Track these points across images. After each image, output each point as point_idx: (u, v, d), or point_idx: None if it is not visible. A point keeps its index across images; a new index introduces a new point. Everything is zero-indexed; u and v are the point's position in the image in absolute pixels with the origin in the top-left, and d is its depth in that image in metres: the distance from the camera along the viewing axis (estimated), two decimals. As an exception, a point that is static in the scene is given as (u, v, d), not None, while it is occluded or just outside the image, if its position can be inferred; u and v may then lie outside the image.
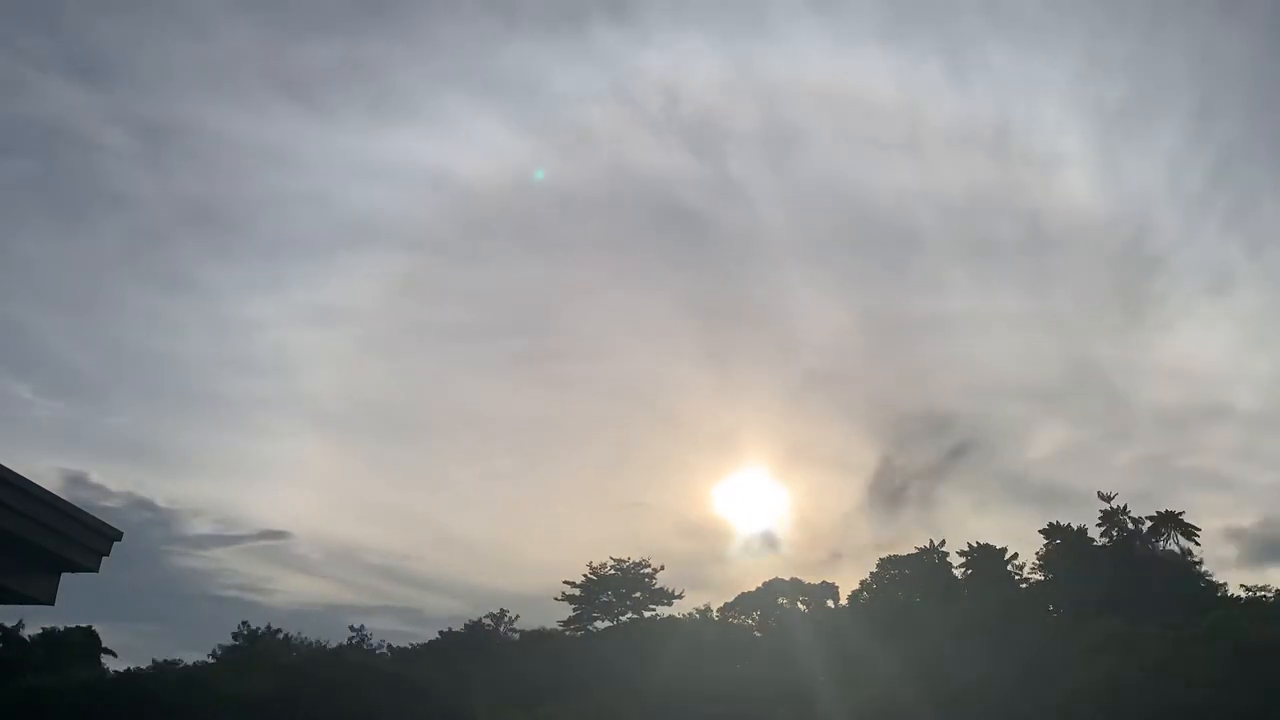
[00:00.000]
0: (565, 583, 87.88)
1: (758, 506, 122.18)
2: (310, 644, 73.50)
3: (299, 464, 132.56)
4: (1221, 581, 75.21)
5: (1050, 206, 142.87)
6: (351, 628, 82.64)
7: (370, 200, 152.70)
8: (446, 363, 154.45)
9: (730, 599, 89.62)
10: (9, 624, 71.01)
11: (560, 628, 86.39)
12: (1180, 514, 78.19)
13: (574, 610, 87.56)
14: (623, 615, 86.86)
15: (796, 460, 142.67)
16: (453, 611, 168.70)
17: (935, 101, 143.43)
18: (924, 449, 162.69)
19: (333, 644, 75.11)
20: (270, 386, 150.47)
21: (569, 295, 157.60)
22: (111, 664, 74.17)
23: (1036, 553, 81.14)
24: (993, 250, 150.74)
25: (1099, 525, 79.11)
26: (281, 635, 75.95)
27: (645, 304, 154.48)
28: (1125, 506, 79.10)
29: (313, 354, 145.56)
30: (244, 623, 77.19)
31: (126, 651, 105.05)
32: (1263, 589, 70.13)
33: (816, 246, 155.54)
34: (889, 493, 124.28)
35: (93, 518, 7.79)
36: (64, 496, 7.58)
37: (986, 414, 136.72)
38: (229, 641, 76.52)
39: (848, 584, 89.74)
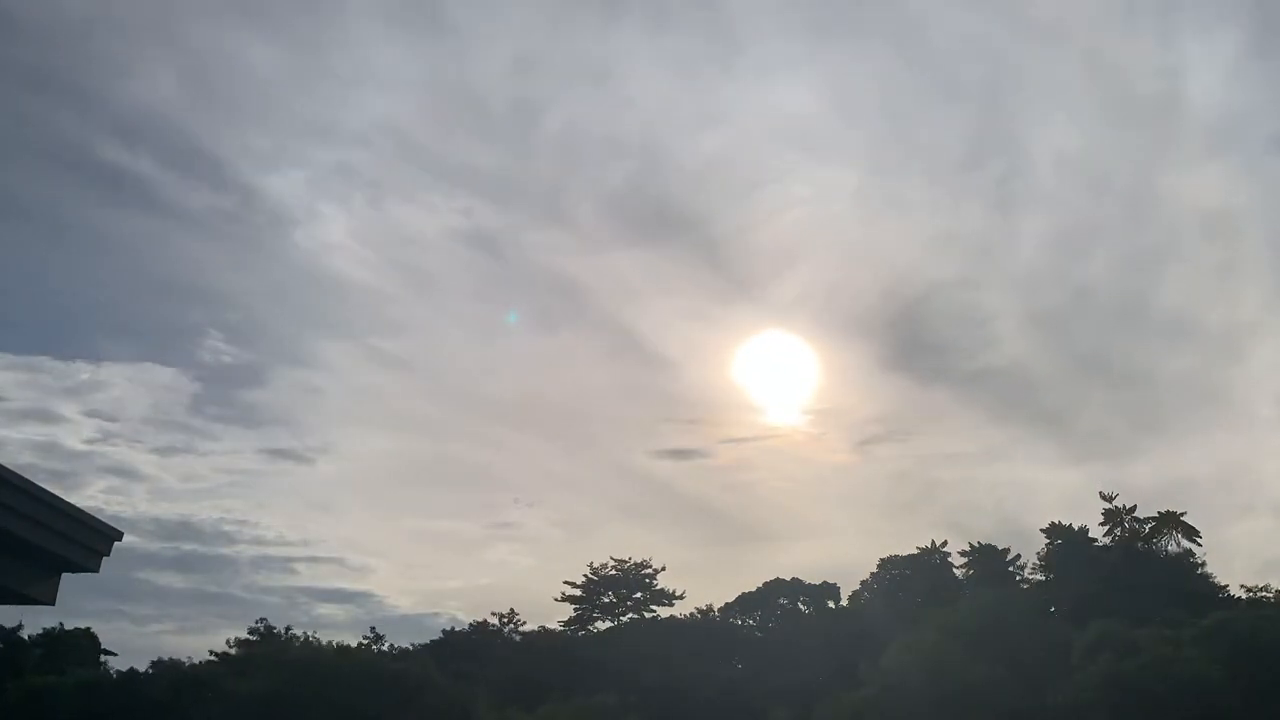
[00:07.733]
0: (566, 583, 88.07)
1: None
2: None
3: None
4: (1223, 583, 75.24)
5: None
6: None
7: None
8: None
9: (730, 599, 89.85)
10: (9, 624, 71.01)
11: (561, 628, 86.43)
12: (1182, 514, 78.37)
13: (575, 610, 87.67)
14: (624, 616, 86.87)
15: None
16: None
17: None
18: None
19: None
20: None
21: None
22: (112, 664, 74.29)
23: (1038, 553, 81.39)
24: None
25: (1101, 525, 79.24)
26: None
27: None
28: (1128, 506, 79.21)
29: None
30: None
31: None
32: (1263, 589, 70.11)
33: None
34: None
35: (93, 518, 7.78)
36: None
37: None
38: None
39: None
